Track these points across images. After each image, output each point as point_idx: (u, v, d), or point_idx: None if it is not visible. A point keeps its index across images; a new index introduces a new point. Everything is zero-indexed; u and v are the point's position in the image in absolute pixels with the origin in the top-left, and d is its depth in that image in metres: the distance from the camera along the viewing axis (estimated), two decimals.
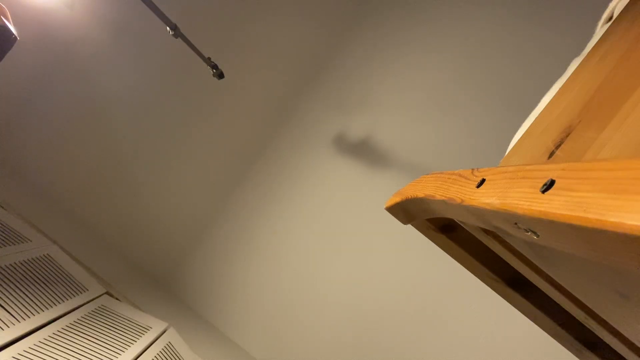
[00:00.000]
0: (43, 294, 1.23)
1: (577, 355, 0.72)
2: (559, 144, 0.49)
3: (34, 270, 1.28)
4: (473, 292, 1.72)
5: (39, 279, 1.27)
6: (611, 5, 0.72)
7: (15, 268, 1.23)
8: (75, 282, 1.38)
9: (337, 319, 1.98)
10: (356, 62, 2.24)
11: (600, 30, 0.72)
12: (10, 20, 1.05)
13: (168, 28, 1.49)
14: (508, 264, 0.57)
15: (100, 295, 1.42)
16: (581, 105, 0.53)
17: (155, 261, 2.26)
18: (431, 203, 0.53)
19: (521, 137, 0.63)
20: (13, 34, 1.06)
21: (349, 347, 1.94)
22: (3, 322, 1.06)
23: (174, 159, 2.23)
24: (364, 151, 2.09)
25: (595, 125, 0.46)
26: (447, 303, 1.80)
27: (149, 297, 1.96)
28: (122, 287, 1.70)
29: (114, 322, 1.33)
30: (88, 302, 1.35)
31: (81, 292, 1.36)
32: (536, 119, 0.63)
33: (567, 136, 0.49)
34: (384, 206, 0.68)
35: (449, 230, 0.64)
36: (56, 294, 1.27)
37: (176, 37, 1.52)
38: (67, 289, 1.32)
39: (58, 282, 1.32)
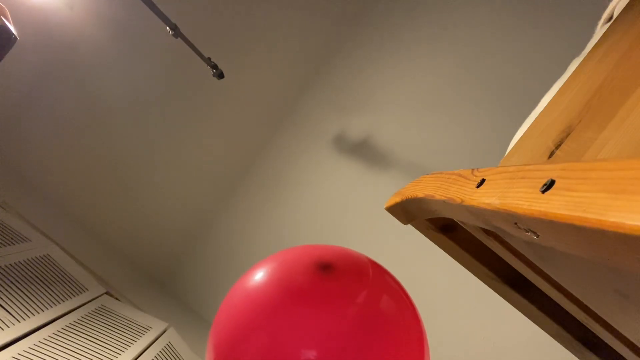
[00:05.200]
0: (43, 294, 1.23)
1: (577, 356, 0.72)
2: (559, 144, 0.49)
3: (34, 270, 1.28)
4: (473, 292, 1.72)
5: (39, 279, 1.27)
6: (611, 5, 0.72)
7: (15, 268, 1.23)
8: (75, 282, 1.38)
9: None
10: (357, 62, 2.24)
11: (600, 30, 0.72)
12: (10, 20, 1.05)
13: (168, 28, 1.49)
14: (508, 264, 0.57)
15: (100, 295, 1.42)
16: (581, 105, 0.53)
17: (155, 261, 2.26)
18: (431, 203, 0.53)
19: (521, 137, 0.63)
20: (13, 34, 1.06)
21: None
22: (3, 322, 1.06)
23: (174, 159, 2.23)
24: (364, 151, 2.09)
25: (595, 125, 0.46)
26: (446, 303, 1.80)
27: (149, 297, 1.96)
28: (122, 287, 1.70)
29: (114, 322, 1.33)
30: (88, 302, 1.35)
31: (81, 292, 1.36)
32: (536, 118, 0.63)
33: (567, 136, 0.49)
34: (384, 206, 0.68)
35: (449, 230, 0.64)
36: (56, 294, 1.27)
37: (176, 37, 1.52)
38: (67, 289, 1.32)
39: (58, 282, 1.32)
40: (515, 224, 0.32)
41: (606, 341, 0.59)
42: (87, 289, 1.39)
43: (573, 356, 0.73)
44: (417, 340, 0.49)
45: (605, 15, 0.73)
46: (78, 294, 1.34)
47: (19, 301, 1.14)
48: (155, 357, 1.31)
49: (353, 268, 0.51)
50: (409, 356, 0.48)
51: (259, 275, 0.50)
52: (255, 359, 0.43)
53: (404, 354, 0.47)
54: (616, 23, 0.66)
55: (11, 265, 1.23)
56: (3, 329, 1.04)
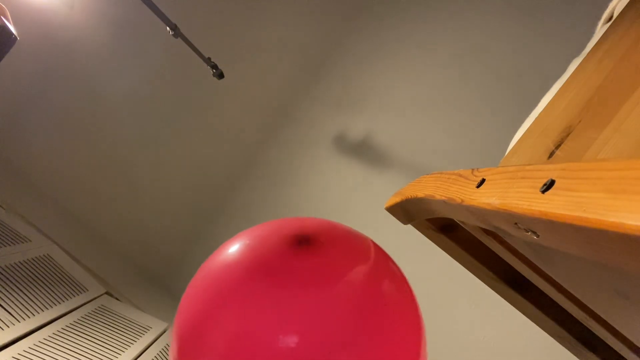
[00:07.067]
0: (43, 294, 1.23)
1: (577, 356, 0.72)
2: (559, 144, 0.49)
3: (34, 270, 1.28)
4: (472, 292, 1.72)
5: (39, 279, 1.27)
6: (611, 5, 0.72)
7: (15, 268, 1.23)
8: (75, 282, 1.37)
9: None
10: (356, 62, 2.24)
11: (600, 30, 0.72)
12: (10, 20, 1.05)
13: (168, 28, 1.49)
14: (508, 264, 0.57)
15: (100, 295, 1.42)
16: (581, 105, 0.53)
17: (155, 261, 2.25)
18: (431, 203, 0.53)
19: (521, 137, 0.63)
20: (13, 34, 1.06)
21: None
22: (3, 322, 1.06)
23: (174, 158, 2.23)
24: (364, 151, 2.09)
25: (595, 125, 0.46)
26: (446, 303, 1.80)
27: (149, 297, 1.96)
28: (122, 287, 1.70)
29: (114, 322, 1.33)
30: (88, 302, 1.35)
31: (81, 292, 1.36)
32: (536, 119, 0.63)
33: (567, 136, 0.49)
34: (384, 206, 0.68)
35: (449, 230, 0.64)
36: (56, 294, 1.27)
37: (176, 37, 1.52)
38: (67, 289, 1.32)
39: (58, 282, 1.32)
40: (515, 224, 0.32)
41: (606, 341, 0.59)
42: (87, 289, 1.39)
43: (573, 356, 0.73)
44: (412, 330, 0.42)
45: (605, 15, 0.73)
46: (78, 294, 1.34)
47: (19, 301, 1.14)
48: (155, 357, 1.31)
49: (337, 242, 0.42)
50: (403, 348, 0.41)
51: (226, 254, 0.43)
52: (223, 350, 0.37)
53: (396, 346, 0.40)
54: (616, 23, 0.66)
55: (11, 265, 1.23)
56: (3, 329, 1.04)
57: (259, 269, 0.39)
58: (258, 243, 0.42)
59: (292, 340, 0.35)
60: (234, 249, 0.43)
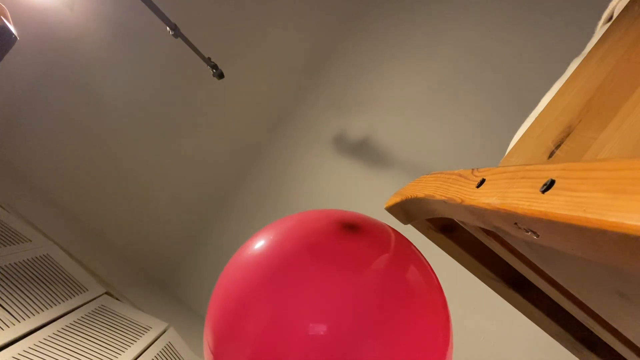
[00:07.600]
0: (43, 294, 1.23)
1: (577, 355, 0.72)
2: (559, 144, 0.49)
3: (34, 270, 1.28)
4: (473, 293, 1.72)
5: (39, 279, 1.27)
6: (611, 5, 0.72)
7: (15, 268, 1.23)
8: (75, 282, 1.37)
9: None
10: (356, 61, 2.24)
11: (600, 30, 0.72)
12: (10, 20, 1.05)
13: (168, 28, 1.49)
14: (508, 264, 0.57)
15: (100, 295, 1.42)
16: (581, 105, 0.53)
17: (155, 261, 2.25)
18: (431, 203, 0.52)
19: (521, 137, 0.62)
20: (13, 34, 1.06)
21: None
22: (3, 322, 1.06)
23: (174, 159, 2.23)
24: (364, 151, 2.09)
25: (595, 125, 0.46)
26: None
27: (149, 297, 1.96)
28: (122, 287, 1.70)
29: (114, 322, 1.33)
30: (88, 302, 1.35)
31: (81, 292, 1.36)
32: (536, 119, 0.62)
33: (567, 136, 0.49)
34: (384, 206, 0.68)
35: (449, 230, 0.64)
36: (56, 294, 1.27)
37: (176, 37, 1.52)
38: (67, 289, 1.32)
39: (58, 282, 1.32)
40: (515, 224, 0.32)
41: (606, 341, 0.59)
42: (87, 289, 1.39)
43: (573, 356, 0.73)
44: (444, 317, 0.44)
45: (605, 15, 0.73)
46: (78, 294, 1.34)
47: (19, 301, 1.14)
48: (155, 357, 1.31)
49: (379, 231, 0.46)
50: (436, 335, 0.42)
51: (272, 233, 0.44)
52: (270, 317, 0.38)
53: (431, 331, 0.41)
54: (616, 23, 0.65)
55: (11, 265, 1.23)
56: (3, 329, 1.04)
57: (311, 246, 0.40)
58: (306, 225, 0.44)
59: (346, 308, 0.37)
60: (279, 231, 0.44)
